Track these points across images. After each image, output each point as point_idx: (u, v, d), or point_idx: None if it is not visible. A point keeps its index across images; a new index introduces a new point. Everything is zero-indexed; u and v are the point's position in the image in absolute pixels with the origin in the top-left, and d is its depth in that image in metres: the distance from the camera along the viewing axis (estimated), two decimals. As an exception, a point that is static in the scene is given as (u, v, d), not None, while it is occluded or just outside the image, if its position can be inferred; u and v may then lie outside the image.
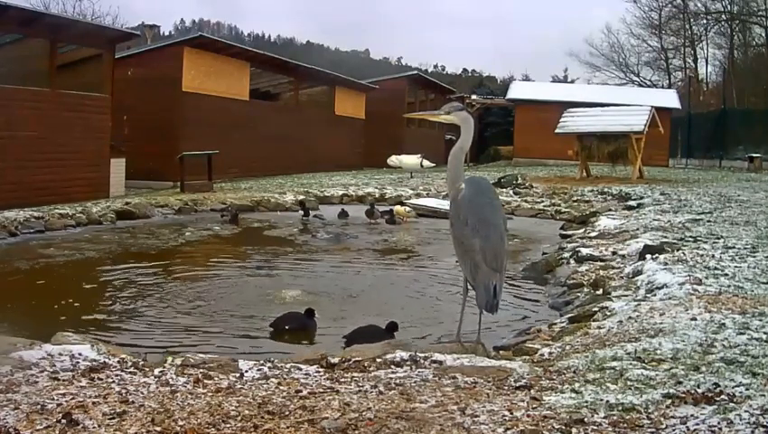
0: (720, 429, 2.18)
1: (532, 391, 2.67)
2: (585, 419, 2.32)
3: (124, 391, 2.63)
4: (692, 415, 2.32)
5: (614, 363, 2.93)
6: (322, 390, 2.70)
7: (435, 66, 65.05)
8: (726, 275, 4.69)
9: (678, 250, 5.73)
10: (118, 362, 3.05)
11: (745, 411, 2.28)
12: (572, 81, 46.69)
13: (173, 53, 15.65)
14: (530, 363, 3.14)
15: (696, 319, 3.53)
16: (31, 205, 9.42)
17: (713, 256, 5.42)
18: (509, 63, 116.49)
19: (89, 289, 5.66)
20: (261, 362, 3.11)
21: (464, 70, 62.09)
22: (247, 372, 2.96)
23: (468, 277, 3.45)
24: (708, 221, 7.94)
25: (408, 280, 6.34)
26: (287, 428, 2.29)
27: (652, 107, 17.32)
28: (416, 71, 33.86)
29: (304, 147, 19.46)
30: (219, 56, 16.57)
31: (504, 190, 13.92)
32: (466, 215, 3.43)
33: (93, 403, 2.46)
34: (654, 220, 8.36)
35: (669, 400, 2.47)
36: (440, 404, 2.52)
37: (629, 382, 2.69)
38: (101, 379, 2.79)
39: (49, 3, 27.81)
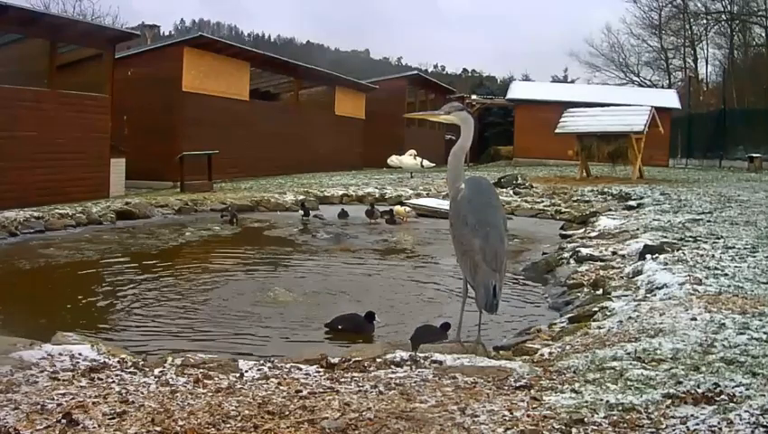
0: (720, 429, 2.18)
1: (532, 391, 2.67)
2: (585, 419, 2.32)
3: (124, 391, 2.63)
4: (692, 415, 2.32)
5: (614, 363, 2.93)
6: (322, 390, 2.70)
7: (435, 66, 65.19)
8: (726, 275, 4.69)
9: (678, 250, 5.73)
10: (118, 362, 3.05)
11: (745, 411, 2.28)
12: (572, 81, 46.75)
13: (173, 53, 15.64)
14: (530, 363, 3.14)
15: (696, 319, 3.53)
16: (31, 205, 9.41)
17: (713, 256, 5.42)
18: (509, 63, 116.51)
19: (89, 289, 5.65)
20: (261, 362, 3.12)
21: (464, 70, 62.18)
22: (247, 372, 2.96)
23: (468, 277, 3.45)
24: (708, 221, 7.94)
25: (408, 280, 6.34)
26: (287, 428, 2.29)
27: (652, 107, 17.32)
28: (416, 71, 33.85)
29: (304, 147, 19.45)
30: (219, 56, 16.56)
31: (504, 190, 13.92)
32: (466, 215, 3.43)
33: (93, 403, 2.46)
34: (654, 220, 8.36)
35: (669, 400, 2.47)
36: (440, 404, 2.52)
37: (629, 382, 2.69)
38: (101, 379, 2.79)
39: (49, 3, 27.83)
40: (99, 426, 2.27)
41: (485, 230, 3.37)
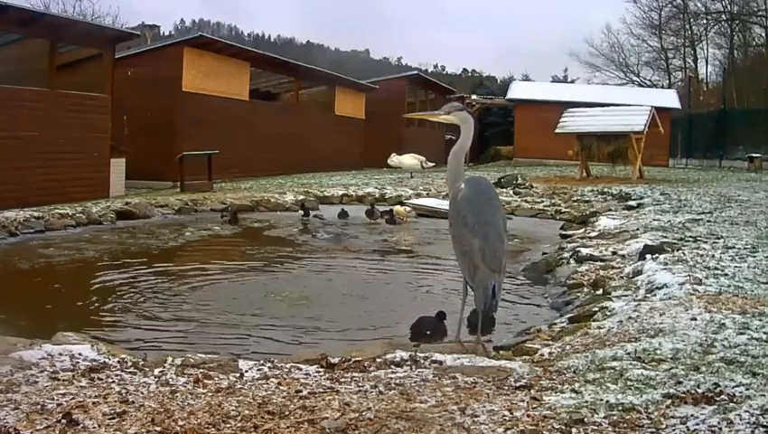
0: (720, 429, 2.18)
1: (532, 391, 2.67)
2: (585, 419, 2.32)
3: (124, 391, 2.63)
4: (692, 415, 2.32)
5: (614, 363, 2.93)
6: (322, 390, 2.70)
7: (435, 66, 65.19)
8: (726, 275, 4.69)
9: (678, 250, 5.73)
10: (118, 362, 3.05)
11: (745, 411, 2.28)
12: (572, 81, 46.79)
13: (173, 53, 15.63)
14: (530, 363, 3.14)
15: (696, 319, 3.53)
16: (31, 205, 9.41)
17: (713, 256, 5.42)
18: (509, 63, 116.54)
19: (89, 289, 5.65)
20: (261, 362, 3.11)
21: (464, 70, 62.16)
22: (247, 372, 2.96)
23: (467, 277, 3.44)
24: (708, 221, 7.94)
25: (408, 280, 6.34)
26: (287, 428, 2.29)
27: (652, 107, 17.33)
28: (416, 71, 33.83)
29: (304, 147, 19.45)
30: (219, 56, 16.55)
31: (504, 190, 13.92)
32: (465, 215, 3.42)
33: (93, 403, 2.46)
34: (654, 220, 8.36)
35: (669, 400, 2.47)
36: (440, 404, 2.52)
37: (629, 382, 2.69)
38: (101, 379, 2.79)
39: (49, 3, 27.84)
40: (99, 426, 2.27)
41: (485, 230, 3.37)
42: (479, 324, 3.57)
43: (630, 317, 3.79)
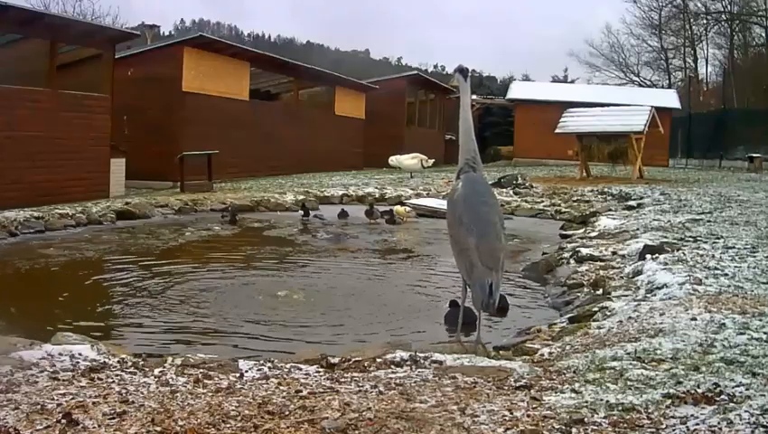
0: (720, 429, 2.18)
1: (532, 391, 2.67)
2: (585, 419, 2.32)
3: (124, 391, 2.63)
4: (692, 415, 2.32)
5: (614, 363, 2.93)
6: (322, 390, 2.70)
7: (435, 66, 65.04)
8: (726, 275, 4.69)
9: (678, 250, 5.72)
10: (118, 362, 3.05)
11: (745, 411, 2.27)
12: (572, 81, 46.78)
13: (173, 53, 15.64)
14: (530, 363, 3.14)
15: (696, 319, 3.53)
16: (31, 205, 9.41)
17: (713, 256, 5.42)
18: (509, 63, 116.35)
19: (89, 289, 5.65)
20: (261, 362, 3.11)
21: (464, 69, 62.02)
22: (247, 372, 2.96)
23: (464, 276, 3.44)
24: (708, 221, 7.94)
25: (408, 280, 6.33)
26: (287, 428, 2.29)
27: (652, 107, 17.33)
28: (416, 71, 33.79)
29: (304, 147, 19.45)
30: (219, 56, 16.56)
31: (504, 190, 13.92)
32: (462, 214, 3.42)
33: (93, 403, 2.46)
34: (654, 220, 8.36)
35: (669, 401, 2.47)
36: (440, 404, 2.52)
37: (629, 382, 2.69)
38: (101, 379, 2.79)
39: (49, 3, 27.88)
40: (99, 426, 2.27)
41: (481, 227, 3.36)
42: (478, 323, 3.57)
43: (630, 317, 3.79)
